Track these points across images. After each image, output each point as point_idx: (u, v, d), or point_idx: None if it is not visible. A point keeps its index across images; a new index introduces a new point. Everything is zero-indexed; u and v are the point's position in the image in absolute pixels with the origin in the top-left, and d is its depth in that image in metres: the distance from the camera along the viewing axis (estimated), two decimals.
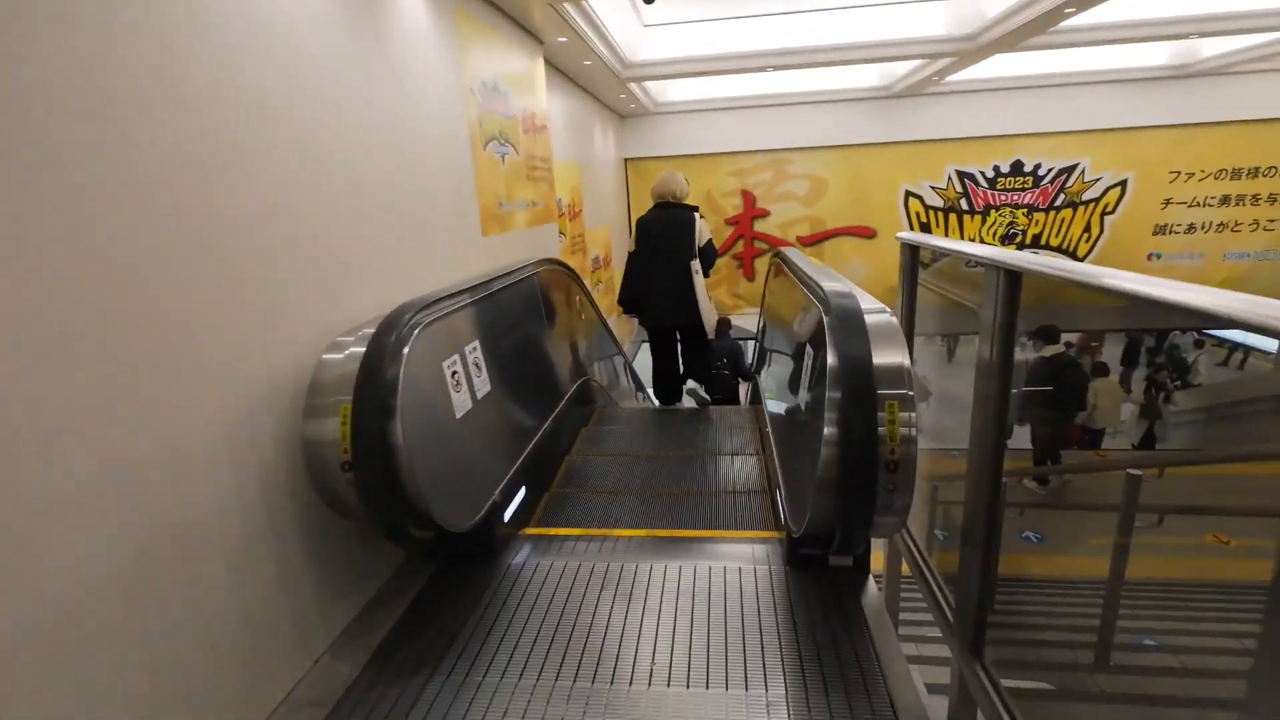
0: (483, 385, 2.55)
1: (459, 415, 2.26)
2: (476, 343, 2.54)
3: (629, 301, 4.11)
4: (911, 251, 2.28)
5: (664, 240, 3.85)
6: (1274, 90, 8.63)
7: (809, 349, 2.14)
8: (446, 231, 3.11)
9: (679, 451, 3.55)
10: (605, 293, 8.31)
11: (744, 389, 5.81)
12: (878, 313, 1.81)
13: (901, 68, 8.41)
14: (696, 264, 3.84)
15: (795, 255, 2.85)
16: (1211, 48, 8.18)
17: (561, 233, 5.88)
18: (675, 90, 9.42)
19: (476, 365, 2.52)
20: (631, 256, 4.05)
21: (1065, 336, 5.18)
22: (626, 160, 10.08)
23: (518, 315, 3.22)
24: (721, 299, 10.86)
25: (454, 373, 2.30)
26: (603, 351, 5.44)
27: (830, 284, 1.99)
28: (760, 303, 5.26)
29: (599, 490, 3.08)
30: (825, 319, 1.87)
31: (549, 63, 5.59)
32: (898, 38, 6.18)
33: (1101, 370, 8.77)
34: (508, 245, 3.95)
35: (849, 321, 1.76)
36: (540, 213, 4.70)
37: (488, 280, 2.87)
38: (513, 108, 4.10)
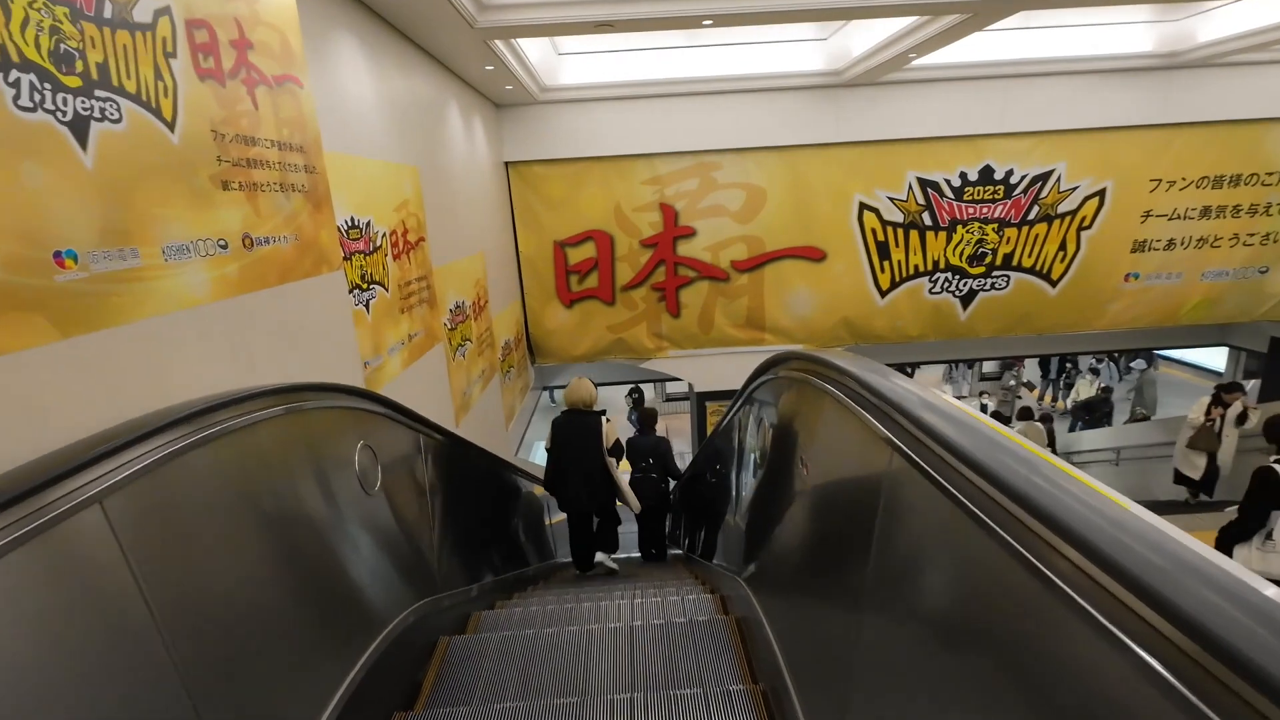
0: None
1: None
2: None
3: (550, 488, 4.40)
4: None
5: (575, 446, 4.20)
6: (1263, 86, 7.49)
7: None
8: None
9: None
10: (483, 349, 5.79)
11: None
12: None
13: (860, 46, 6.52)
14: (603, 460, 4.19)
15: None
16: (1208, 32, 6.87)
17: (375, 282, 3.37)
18: (571, 71, 7.08)
19: None
20: (549, 451, 4.35)
21: None
22: (508, 164, 7.61)
23: None
24: (641, 339, 8.60)
25: None
26: (459, 515, 2.96)
27: None
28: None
29: None
30: None
31: None
32: None
33: (1026, 414, 9.96)
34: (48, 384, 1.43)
35: None
36: (282, 260, 2.20)
37: None
38: (139, 6, 1.60)
